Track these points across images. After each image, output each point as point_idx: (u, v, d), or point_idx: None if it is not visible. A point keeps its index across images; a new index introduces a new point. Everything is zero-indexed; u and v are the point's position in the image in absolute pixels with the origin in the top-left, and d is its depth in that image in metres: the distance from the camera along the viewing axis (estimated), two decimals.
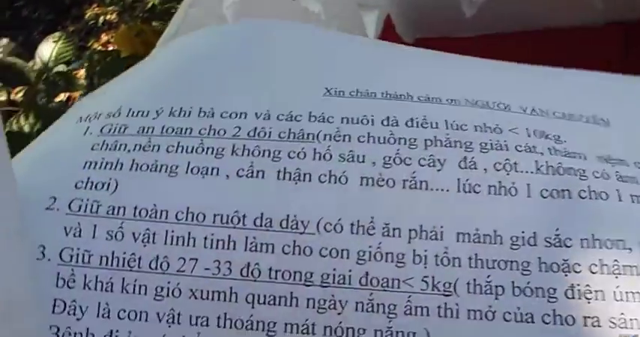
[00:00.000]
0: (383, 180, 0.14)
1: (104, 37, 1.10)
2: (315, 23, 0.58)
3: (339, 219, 0.13)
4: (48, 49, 0.82)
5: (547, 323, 0.12)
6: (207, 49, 0.17)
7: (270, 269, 0.13)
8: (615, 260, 0.13)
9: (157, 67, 0.17)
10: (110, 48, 1.02)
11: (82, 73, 0.86)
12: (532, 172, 0.14)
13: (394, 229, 0.13)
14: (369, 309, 0.13)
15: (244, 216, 0.13)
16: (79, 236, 0.13)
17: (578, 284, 0.13)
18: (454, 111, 0.15)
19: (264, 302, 0.13)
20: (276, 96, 0.15)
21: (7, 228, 0.12)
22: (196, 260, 0.13)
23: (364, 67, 0.16)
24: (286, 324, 0.12)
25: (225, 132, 0.14)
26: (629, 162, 0.14)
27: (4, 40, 0.93)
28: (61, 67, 0.81)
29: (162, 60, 0.17)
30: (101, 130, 0.15)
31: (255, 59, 0.16)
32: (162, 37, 0.43)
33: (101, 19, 1.11)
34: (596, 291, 0.12)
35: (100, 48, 1.05)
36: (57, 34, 0.86)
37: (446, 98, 0.15)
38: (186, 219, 0.13)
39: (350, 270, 0.13)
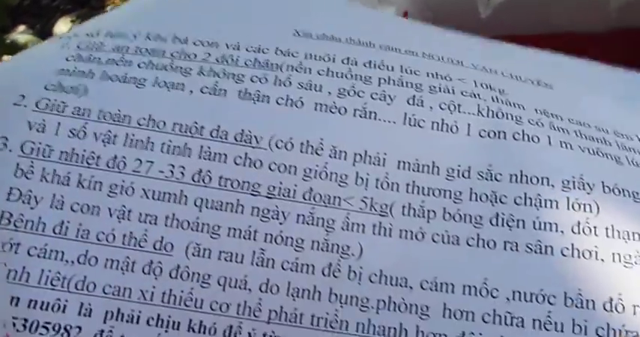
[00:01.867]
0: (336, 107, 0.14)
1: None
2: None
3: (291, 138, 0.14)
4: (65, 30, 0.81)
5: (471, 246, 0.13)
6: None
7: (221, 177, 0.13)
8: (538, 194, 0.13)
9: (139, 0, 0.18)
10: None
11: None
12: (474, 114, 0.14)
13: (341, 151, 0.14)
14: (310, 222, 0.13)
15: (202, 127, 0.14)
16: (42, 131, 0.13)
17: (503, 213, 0.13)
18: (410, 60, 0.16)
19: (211, 207, 0.13)
20: (248, 32, 0.16)
21: None
22: (152, 162, 0.13)
23: (334, 15, 0.17)
24: (230, 228, 0.13)
25: (195, 56, 0.15)
26: (564, 117, 0.15)
27: (22, 27, 0.92)
28: None
29: None
30: (78, 46, 0.15)
31: None
32: None
33: None
34: (517, 220, 0.13)
35: None
36: (74, 14, 0.85)
37: (405, 49, 0.16)
38: (147, 125, 0.14)
39: (295, 185, 0.13)
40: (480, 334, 0.12)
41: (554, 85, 0.16)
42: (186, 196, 0.13)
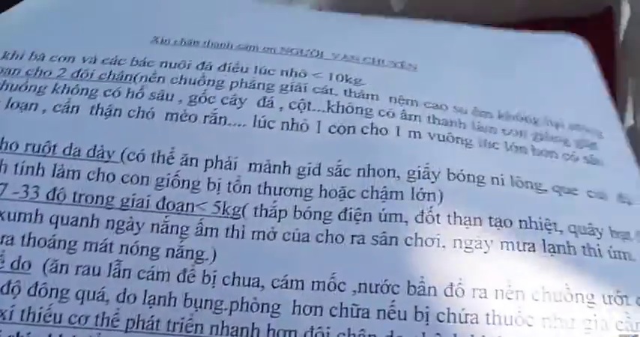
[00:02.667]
0: (186, 115, 0.14)
1: None
2: None
3: (142, 149, 0.14)
4: None
5: (320, 242, 0.13)
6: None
7: (75, 193, 0.14)
8: (384, 187, 0.14)
9: (3, 17, 0.17)
10: None
11: None
12: (324, 111, 0.15)
13: (192, 159, 0.14)
14: (164, 230, 0.13)
15: (55, 146, 0.14)
16: None
17: (351, 208, 0.14)
18: (266, 58, 0.16)
19: (67, 223, 0.13)
20: (105, 43, 0.16)
21: None
22: (6, 185, 0.14)
23: (192, 19, 0.17)
24: (86, 243, 0.13)
25: (50, 73, 0.15)
26: (420, 102, 0.15)
27: None
28: None
29: (11, 11, 0.18)
30: None
31: (91, 9, 0.17)
32: None
33: None
34: (364, 213, 0.14)
35: None
36: None
37: (263, 46, 0.16)
38: (0, 148, 0.14)
39: (149, 195, 0.14)
40: (328, 328, 0.13)
41: (419, 65, 0.16)
42: (42, 215, 0.13)
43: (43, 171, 0.14)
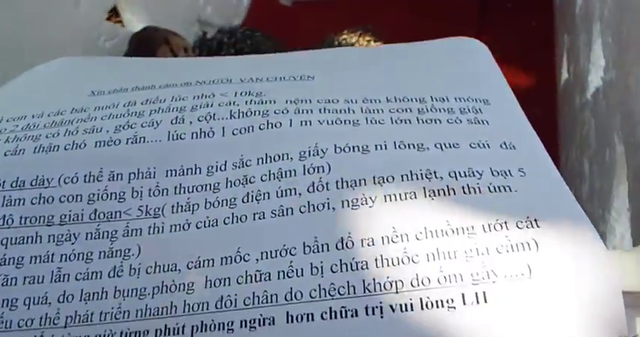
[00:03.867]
0: (112, 141, 0.17)
1: None
2: None
3: (76, 173, 0.16)
4: None
5: (227, 224, 0.15)
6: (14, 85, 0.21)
7: (21, 217, 0.16)
8: (279, 168, 0.15)
9: None
10: None
11: None
12: (227, 118, 0.17)
13: (117, 174, 0.16)
14: (96, 237, 0.15)
15: (3, 182, 0.16)
16: None
17: (252, 191, 0.15)
18: (182, 90, 0.18)
19: (15, 243, 0.15)
20: (51, 101, 0.19)
21: None
22: None
23: (124, 75, 0.20)
24: (32, 257, 0.15)
25: (5, 130, 0.18)
26: (314, 100, 0.17)
27: None
28: None
29: None
30: None
31: (44, 80, 0.20)
32: None
33: None
34: (264, 193, 0.15)
35: None
36: None
37: (180, 83, 0.19)
38: None
39: (82, 209, 0.16)
40: (236, 295, 0.14)
41: (317, 76, 0.18)
42: None
43: None
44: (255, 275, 0.14)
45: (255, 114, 0.17)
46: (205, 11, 0.65)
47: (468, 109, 0.17)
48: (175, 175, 0.16)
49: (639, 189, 0.26)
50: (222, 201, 0.15)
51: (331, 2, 0.76)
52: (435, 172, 0.15)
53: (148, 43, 0.46)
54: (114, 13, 0.55)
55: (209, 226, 0.15)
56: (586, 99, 0.42)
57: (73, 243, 0.15)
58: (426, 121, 0.17)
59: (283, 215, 0.15)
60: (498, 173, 0.15)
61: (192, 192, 0.16)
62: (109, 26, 0.52)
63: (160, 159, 0.16)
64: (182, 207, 0.15)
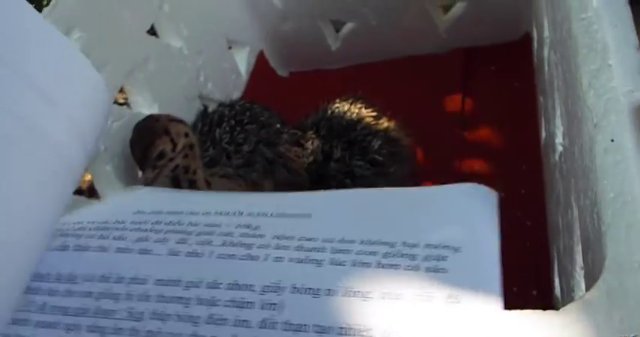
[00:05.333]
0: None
1: None
2: (178, 58, 0.62)
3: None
4: None
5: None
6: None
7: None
8: (242, 298, 0.19)
9: None
10: None
11: None
12: (219, 245, 0.20)
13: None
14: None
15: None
16: None
17: (215, 314, 0.18)
18: (202, 218, 0.22)
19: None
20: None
21: None
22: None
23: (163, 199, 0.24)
24: None
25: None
26: (296, 237, 0.21)
27: None
28: None
29: None
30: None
31: None
32: None
33: None
34: (223, 318, 0.18)
35: None
36: None
37: (203, 211, 0.23)
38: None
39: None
40: None
41: (313, 215, 0.22)
42: None
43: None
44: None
45: (240, 246, 0.20)
46: (206, 87, 0.69)
47: (433, 257, 0.19)
48: (160, 285, 0.19)
49: (586, 250, 0.29)
50: (189, 317, 0.18)
51: (326, 71, 0.81)
52: (369, 329, 0.17)
53: (147, 135, 0.49)
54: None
55: None
56: (555, 160, 0.45)
57: None
58: (385, 266, 0.19)
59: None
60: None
61: (169, 302, 0.19)
62: (116, 108, 0.56)
63: (157, 271, 0.19)
64: (157, 313, 0.18)
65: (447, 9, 0.76)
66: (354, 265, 0.19)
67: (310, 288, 0.18)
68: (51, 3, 0.49)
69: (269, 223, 0.21)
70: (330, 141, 0.61)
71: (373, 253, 0.19)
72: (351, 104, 0.66)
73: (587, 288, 0.27)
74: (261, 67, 0.79)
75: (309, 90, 0.77)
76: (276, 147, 0.59)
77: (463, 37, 0.74)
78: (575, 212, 0.33)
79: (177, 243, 0.20)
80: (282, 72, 0.82)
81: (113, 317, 0.18)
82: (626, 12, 0.31)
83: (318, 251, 0.19)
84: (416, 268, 0.19)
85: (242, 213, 0.22)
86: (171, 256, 0.20)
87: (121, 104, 0.57)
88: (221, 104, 0.66)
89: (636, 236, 0.22)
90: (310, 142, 0.62)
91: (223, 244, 0.20)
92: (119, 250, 0.20)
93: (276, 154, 0.58)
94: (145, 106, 0.60)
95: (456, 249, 0.20)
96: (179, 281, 0.19)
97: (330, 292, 0.18)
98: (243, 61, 0.76)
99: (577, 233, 0.33)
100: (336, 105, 0.66)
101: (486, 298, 0.18)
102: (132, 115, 0.57)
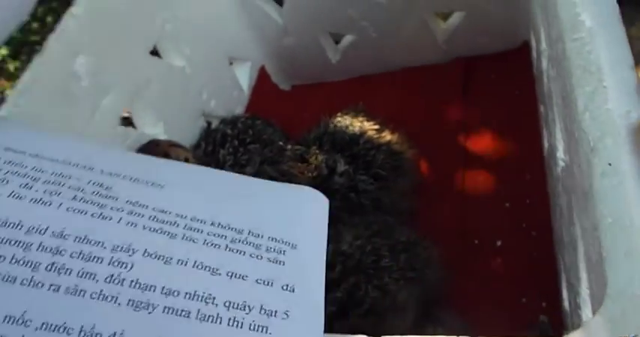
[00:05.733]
0: None
1: None
2: (181, 78, 0.63)
3: None
4: None
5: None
6: None
7: None
8: (90, 252, 0.18)
9: None
10: None
11: None
12: (69, 199, 0.20)
13: None
14: None
15: None
16: None
17: (57, 262, 0.18)
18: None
19: None
20: None
21: None
22: None
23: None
24: None
25: None
26: (150, 206, 0.21)
27: None
28: None
29: None
30: None
31: None
32: None
33: None
34: (67, 268, 0.18)
35: None
36: None
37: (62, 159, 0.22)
38: None
39: None
40: None
41: (166, 186, 0.22)
42: None
43: None
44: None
45: (93, 204, 0.20)
46: (209, 105, 0.70)
47: (274, 249, 0.21)
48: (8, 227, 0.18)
49: (590, 271, 0.29)
50: (28, 261, 0.18)
51: (327, 84, 0.81)
52: (213, 298, 0.18)
53: None
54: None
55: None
56: (558, 174, 0.45)
57: None
58: (232, 250, 0.20)
59: (75, 295, 0.17)
60: (265, 311, 0.18)
61: (5, 244, 0.18)
62: (122, 130, 0.57)
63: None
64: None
65: (445, 18, 0.77)
66: (205, 244, 0.20)
67: (162, 256, 0.19)
68: (56, 30, 0.49)
69: (122, 186, 0.21)
70: (334, 156, 0.62)
71: (223, 236, 0.21)
72: (353, 117, 0.66)
73: (593, 311, 0.27)
74: (262, 81, 0.80)
75: (311, 103, 0.77)
76: (279, 166, 0.60)
77: (462, 47, 0.74)
78: (579, 230, 0.33)
79: (22, 187, 0.20)
80: (283, 86, 0.82)
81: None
82: (621, 31, 0.31)
83: (171, 225, 0.20)
84: (259, 257, 0.20)
85: (93, 169, 0.22)
86: (13, 199, 0.19)
87: (125, 118, 0.58)
88: (223, 120, 0.66)
89: (636, 263, 0.22)
90: (314, 157, 0.62)
91: (74, 198, 0.20)
92: None
93: (279, 173, 0.59)
94: (149, 126, 0.61)
95: (294, 246, 0.21)
96: (20, 225, 0.18)
97: (180, 262, 0.19)
98: (244, 77, 0.77)
99: (581, 250, 0.33)
100: (338, 118, 0.66)
101: (315, 295, 0.20)
102: (137, 135, 0.58)
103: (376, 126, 0.64)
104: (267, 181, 0.26)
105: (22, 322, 0.17)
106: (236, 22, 0.74)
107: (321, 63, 0.78)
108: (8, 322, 0.16)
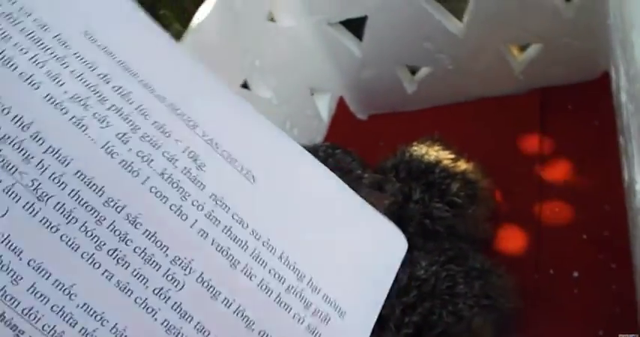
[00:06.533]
0: None
1: None
2: (267, 108, 0.64)
3: None
4: None
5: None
6: None
7: None
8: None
9: None
10: None
11: None
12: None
13: None
14: None
15: None
16: None
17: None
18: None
19: None
20: None
21: None
22: None
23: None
24: None
25: None
26: (231, 212, 0.18)
27: None
28: None
29: None
30: None
31: None
32: None
33: None
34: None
35: None
36: None
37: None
38: None
39: None
40: None
41: (258, 181, 0.19)
42: None
43: None
44: None
45: (177, 189, 0.17)
46: (292, 133, 0.74)
47: (321, 313, 0.18)
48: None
49: None
50: (100, 241, 0.16)
51: (402, 113, 0.84)
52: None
53: None
54: None
55: None
56: (637, 206, 0.45)
57: None
58: (280, 304, 0.17)
59: (124, 292, 0.16)
60: None
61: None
62: None
63: None
64: None
65: (522, 48, 0.77)
66: (259, 286, 0.17)
67: (213, 288, 0.17)
68: None
69: (216, 167, 0.18)
70: (410, 184, 0.64)
71: (281, 280, 0.18)
72: (428, 146, 0.68)
73: None
74: (341, 111, 0.83)
75: (387, 133, 0.80)
76: (357, 193, 0.62)
77: (538, 78, 0.75)
78: None
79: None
80: (361, 115, 0.86)
81: None
82: None
83: (240, 246, 0.17)
84: (300, 321, 0.17)
85: (197, 128, 0.18)
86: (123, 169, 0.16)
87: None
88: (305, 148, 0.69)
89: None
90: (390, 185, 0.64)
91: (163, 174, 0.17)
92: None
93: None
94: None
95: (342, 314, 0.18)
96: (102, 192, 0.16)
97: (224, 303, 0.17)
98: (324, 107, 0.81)
99: None
100: (414, 147, 0.68)
101: None
102: None
103: (452, 156, 0.66)
104: (356, 198, 0.21)
105: (68, 293, 0.16)
106: (318, 56, 0.78)
107: (397, 93, 0.81)
108: (57, 287, 0.15)
